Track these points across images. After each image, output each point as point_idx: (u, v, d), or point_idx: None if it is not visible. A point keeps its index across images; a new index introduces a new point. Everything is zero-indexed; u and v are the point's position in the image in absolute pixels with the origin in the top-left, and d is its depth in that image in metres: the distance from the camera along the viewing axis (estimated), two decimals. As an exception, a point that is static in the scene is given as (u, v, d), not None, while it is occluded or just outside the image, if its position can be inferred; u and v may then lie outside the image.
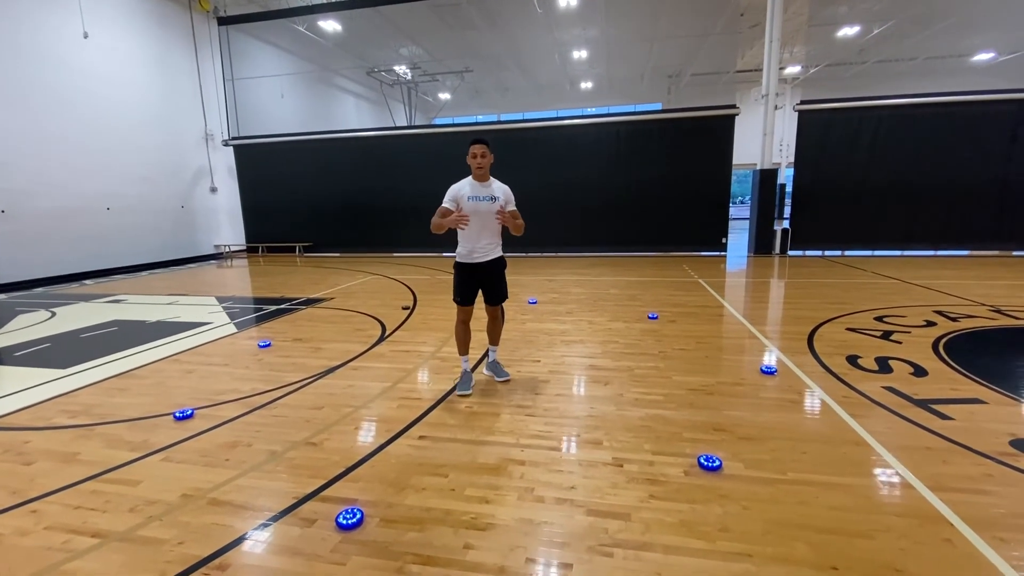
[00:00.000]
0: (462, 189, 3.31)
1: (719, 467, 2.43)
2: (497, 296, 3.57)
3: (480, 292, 3.54)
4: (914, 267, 8.93)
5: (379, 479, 2.43)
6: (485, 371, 3.87)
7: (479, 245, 3.41)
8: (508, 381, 3.70)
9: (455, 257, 3.50)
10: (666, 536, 1.96)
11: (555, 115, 14.13)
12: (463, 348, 3.63)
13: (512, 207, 3.41)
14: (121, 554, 1.95)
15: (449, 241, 3.41)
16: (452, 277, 3.58)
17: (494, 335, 3.77)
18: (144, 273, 10.81)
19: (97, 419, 3.23)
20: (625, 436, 2.82)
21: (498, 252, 3.52)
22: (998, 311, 5.43)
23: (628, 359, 4.17)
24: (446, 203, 3.27)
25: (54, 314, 6.59)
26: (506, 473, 2.46)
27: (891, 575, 1.74)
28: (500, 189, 3.41)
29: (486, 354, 3.97)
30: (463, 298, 3.49)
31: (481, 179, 3.34)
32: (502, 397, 3.43)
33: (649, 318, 5.51)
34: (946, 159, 10.28)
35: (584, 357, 4.27)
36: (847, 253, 11.20)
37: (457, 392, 3.48)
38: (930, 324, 4.98)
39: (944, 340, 4.44)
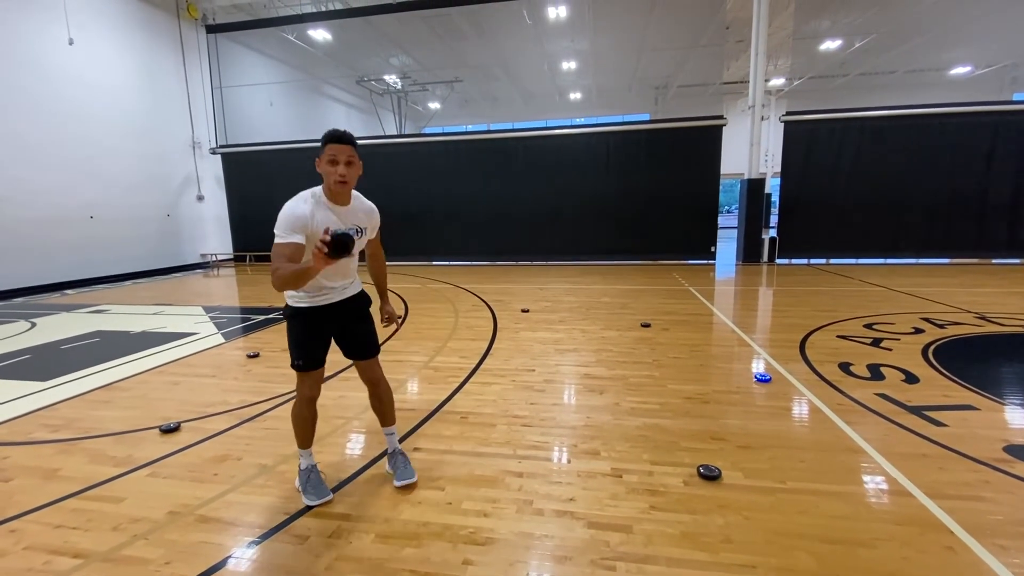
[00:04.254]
0: (313, 217, 2.04)
1: (719, 476, 2.41)
2: (364, 346, 2.40)
3: (338, 347, 2.38)
4: (899, 275, 9.07)
5: (373, 493, 2.37)
6: (388, 468, 2.51)
7: (333, 285, 2.27)
8: (413, 486, 2.40)
9: (287, 301, 2.27)
10: (669, 548, 1.93)
11: (544, 125, 14.21)
12: (305, 439, 2.37)
13: (373, 234, 2.41)
14: (104, 575, 1.87)
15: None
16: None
17: (382, 410, 2.49)
18: (128, 283, 10.60)
19: (79, 433, 3.13)
20: (623, 446, 2.79)
21: (358, 288, 2.44)
22: (983, 318, 5.52)
23: (622, 368, 4.16)
24: (285, 239, 2.04)
25: (34, 325, 6.42)
26: (504, 485, 2.42)
27: (896, 585, 1.72)
28: (367, 214, 2.29)
29: (386, 450, 2.57)
30: (307, 358, 2.25)
31: (341, 200, 2.14)
32: (497, 407, 3.39)
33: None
34: (927, 169, 10.51)
35: (578, 366, 4.24)
36: (832, 261, 11.37)
37: (307, 502, 2.26)
38: (918, 331, 5.04)
39: (933, 347, 4.49)
